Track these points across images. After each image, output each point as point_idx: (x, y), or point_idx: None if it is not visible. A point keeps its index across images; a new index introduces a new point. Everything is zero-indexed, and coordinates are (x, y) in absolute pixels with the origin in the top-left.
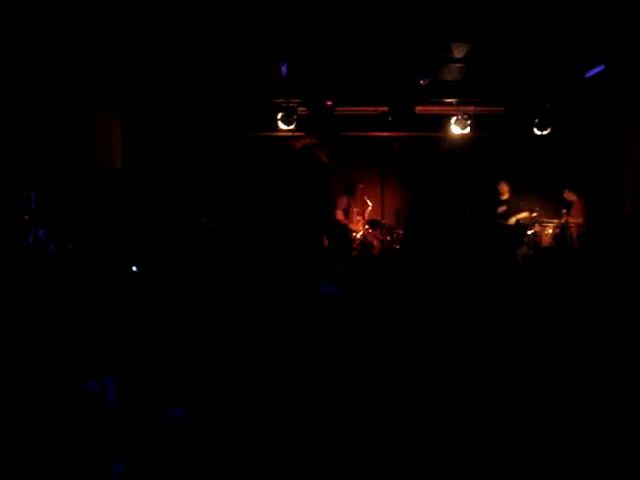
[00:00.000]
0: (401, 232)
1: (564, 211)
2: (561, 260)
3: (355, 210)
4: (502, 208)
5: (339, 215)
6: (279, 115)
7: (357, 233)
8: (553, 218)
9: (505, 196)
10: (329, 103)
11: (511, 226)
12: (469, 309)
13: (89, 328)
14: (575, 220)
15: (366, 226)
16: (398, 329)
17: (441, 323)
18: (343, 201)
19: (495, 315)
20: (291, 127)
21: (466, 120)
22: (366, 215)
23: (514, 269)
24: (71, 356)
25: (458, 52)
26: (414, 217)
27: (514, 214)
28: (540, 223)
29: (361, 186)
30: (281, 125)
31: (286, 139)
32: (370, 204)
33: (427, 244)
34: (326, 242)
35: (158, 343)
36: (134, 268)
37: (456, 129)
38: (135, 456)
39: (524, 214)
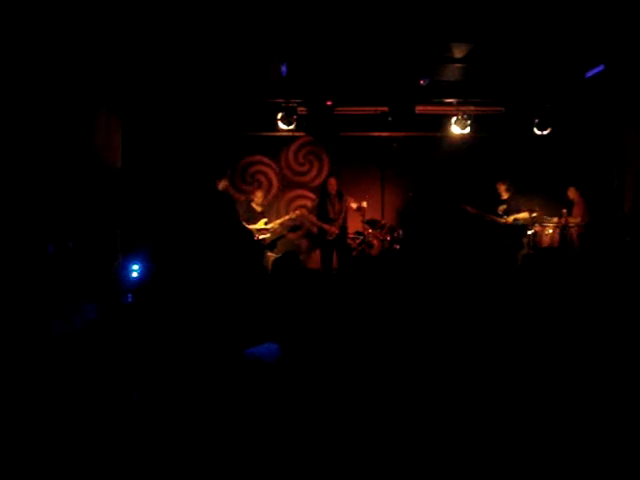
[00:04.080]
0: (401, 232)
1: (564, 211)
2: (561, 260)
3: (330, 209)
4: (502, 207)
5: (311, 218)
6: (279, 115)
7: (331, 235)
8: (553, 218)
9: (504, 196)
10: (329, 103)
11: (509, 224)
12: (469, 308)
13: (89, 326)
14: (575, 220)
15: (337, 227)
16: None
17: (440, 322)
18: (315, 205)
19: (495, 314)
20: (291, 127)
21: (466, 120)
22: (345, 212)
23: (514, 268)
24: (70, 354)
25: (458, 52)
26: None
27: (513, 213)
28: (540, 223)
29: (332, 181)
30: (281, 125)
31: (286, 139)
32: (354, 207)
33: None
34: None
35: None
36: (135, 266)
37: (456, 129)
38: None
39: (523, 214)
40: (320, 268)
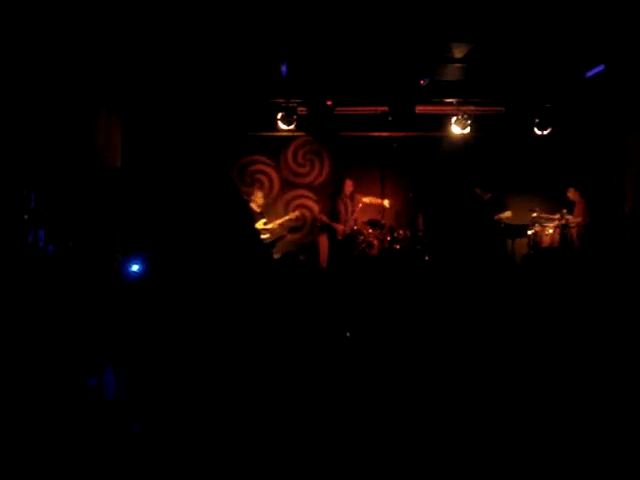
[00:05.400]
0: (402, 232)
1: (564, 211)
2: (561, 260)
3: (343, 210)
4: (484, 208)
5: (322, 218)
6: (279, 115)
7: (340, 234)
8: (553, 218)
9: (485, 197)
10: (329, 103)
11: (493, 224)
12: (469, 308)
13: (89, 325)
14: (576, 220)
15: (355, 227)
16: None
17: (440, 322)
18: (327, 204)
19: (495, 314)
20: (291, 127)
21: (466, 120)
22: (356, 212)
23: (514, 268)
24: (71, 353)
25: (458, 52)
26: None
27: (495, 213)
28: (540, 223)
29: (349, 182)
30: (281, 125)
31: (285, 139)
32: (367, 201)
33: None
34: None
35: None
36: (135, 267)
37: (456, 129)
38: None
39: (507, 213)
40: (326, 267)
